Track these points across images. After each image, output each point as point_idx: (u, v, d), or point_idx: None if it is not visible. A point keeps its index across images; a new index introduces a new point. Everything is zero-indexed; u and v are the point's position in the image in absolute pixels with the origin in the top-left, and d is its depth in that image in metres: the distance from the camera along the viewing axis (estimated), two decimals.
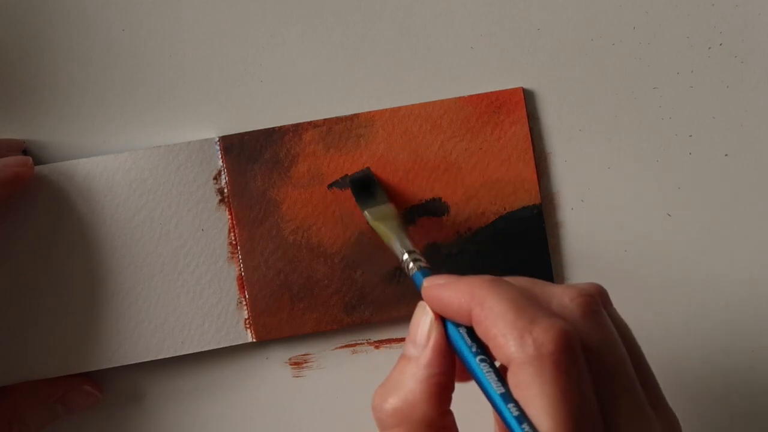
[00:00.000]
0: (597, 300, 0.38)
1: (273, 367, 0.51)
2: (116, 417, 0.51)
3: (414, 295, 0.50)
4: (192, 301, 0.49)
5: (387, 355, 0.51)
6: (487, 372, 0.36)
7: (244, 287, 0.50)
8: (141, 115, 0.51)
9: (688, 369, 0.51)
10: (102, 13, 0.51)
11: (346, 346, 0.51)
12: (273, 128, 0.50)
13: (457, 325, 0.38)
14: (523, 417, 0.34)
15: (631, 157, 0.51)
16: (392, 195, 0.50)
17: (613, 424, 0.35)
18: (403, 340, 0.51)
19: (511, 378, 0.35)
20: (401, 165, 0.50)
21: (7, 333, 0.49)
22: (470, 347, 0.37)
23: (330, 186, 0.50)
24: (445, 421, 0.38)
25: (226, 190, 0.50)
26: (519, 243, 0.50)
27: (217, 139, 0.50)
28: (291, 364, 0.51)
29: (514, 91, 0.50)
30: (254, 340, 0.50)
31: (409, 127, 0.50)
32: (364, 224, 0.50)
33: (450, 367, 0.38)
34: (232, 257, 0.50)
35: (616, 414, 0.35)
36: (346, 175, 0.50)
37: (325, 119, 0.50)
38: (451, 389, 0.38)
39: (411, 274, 0.42)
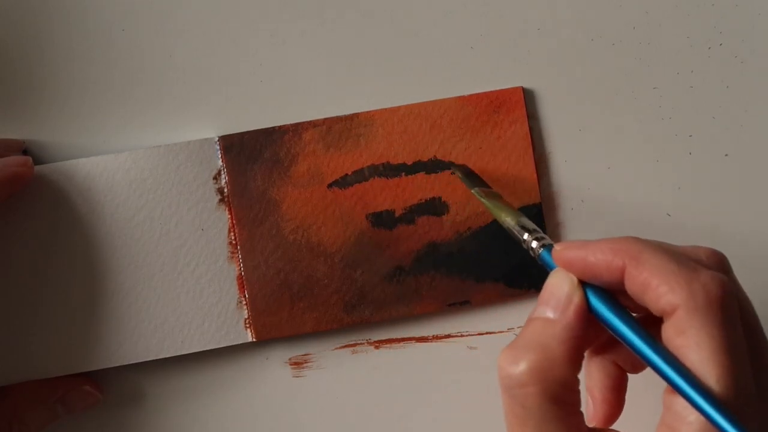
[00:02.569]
0: (727, 260, 0.40)
1: (273, 367, 0.51)
2: (116, 417, 0.51)
3: (414, 295, 0.50)
4: (192, 301, 0.49)
5: (387, 355, 0.51)
6: (638, 332, 0.37)
7: (244, 287, 0.50)
8: (141, 115, 0.51)
9: None
10: (102, 14, 0.51)
11: (346, 346, 0.51)
12: (273, 128, 0.50)
13: (594, 289, 0.38)
14: (689, 374, 0.35)
15: (631, 157, 0.51)
16: (394, 194, 0.50)
17: (757, 372, 0.36)
18: (402, 340, 0.51)
19: (676, 325, 0.36)
20: (401, 164, 0.50)
21: (7, 333, 0.49)
22: (615, 308, 0.38)
23: (330, 186, 0.50)
24: (577, 385, 0.38)
25: (225, 190, 0.50)
26: None
27: (217, 138, 0.50)
28: (291, 364, 0.51)
29: (513, 90, 0.50)
30: (254, 340, 0.50)
31: (409, 127, 0.50)
32: (364, 224, 0.50)
33: (586, 332, 0.38)
34: (232, 257, 0.50)
35: (760, 363, 0.37)
36: (346, 174, 0.50)
37: (324, 119, 0.50)
38: (583, 355, 0.39)
39: (537, 254, 0.42)
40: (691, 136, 0.51)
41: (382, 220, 0.50)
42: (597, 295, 0.38)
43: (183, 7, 0.51)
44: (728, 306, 0.36)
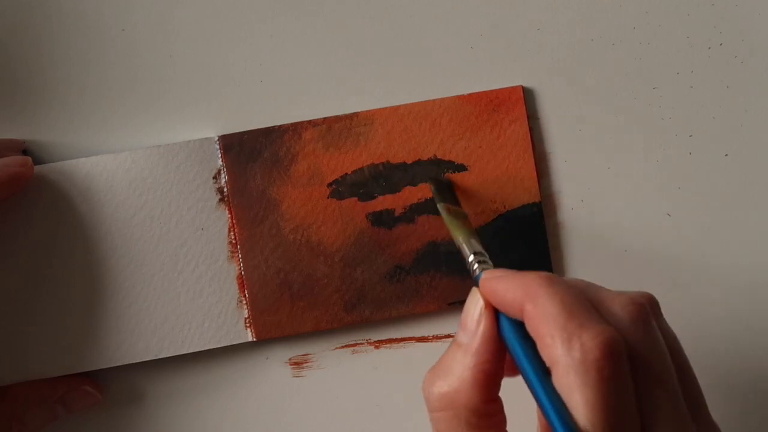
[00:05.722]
0: (647, 310, 0.38)
1: (273, 367, 0.51)
2: (116, 417, 0.51)
3: (413, 294, 0.50)
4: (192, 301, 0.49)
5: (387, 355, 0.51)
6: (533, 368, 0.36)
7: (244, 286, 0.50)
8: (141, 115, 0.51)
9: None
10: (102, 13, 0.51)
11: (346, 346, 0.51)
12: (272, 127, 0.50)
13: (510, 318, 0.38)
14: (566, 416, 0.34)
15: (631, 157, 0.51)
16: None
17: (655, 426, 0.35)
18: (402, 340, 0.51)
19: (555, 380, 0.35)
20: (401, 163, 0.50)
21: (7, 333, 0.49)
22: (519, 341, 0.37)
23: (329, 196, 0.50)
24: (492, 409, 0.38)
25: (225, 189, 0.50)
26: (519, 241, 0.50)
27: (217, 138, 0.50)
28: (291, 364, 0.51)
29: (513, 89, 0.50)
30: (254, 339, 0.50)
31: (409, 126, 0.50)
32: (364, 223, 0.50)
33: (498, 357, 0.38)
34: (232, 256, 0.50)
35: (655, 423, 0.35)
36: (345, 174, 0.50)
37: (324, 118, 0.50)
38: (499, 378, 0.38)
39: (474, 275, 0.42)
40: (691, 136, 0.51)
41: (382, 219, 0.50)
42: (509, 324, 0.38)
43: (183, 7, 0.51)
44: (606, 367, 0.34)
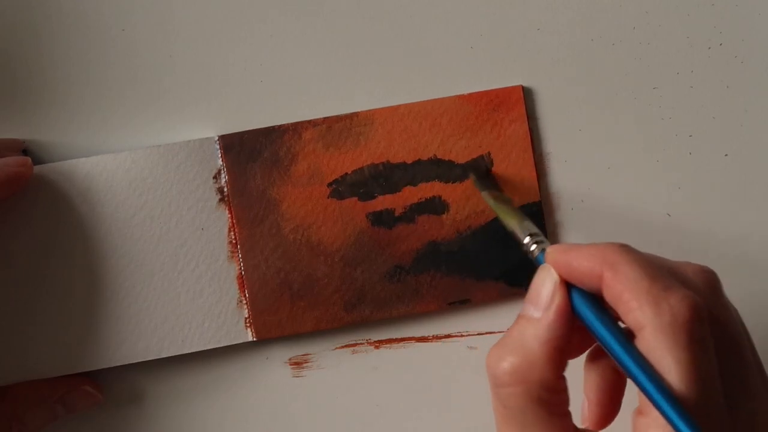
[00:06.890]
0: (718, 278, 0.39)
1: (273, 367, 0.51)
2: (116, 417, 0.51)
3: (413, 294, 0.50)
4: (192, 300, 0.49)
5: (387, 355, 0.51)
6: (615, 336, 0.36)
7: (244, 286, 0.50)
8: (141, 115, 0.51)
9: None
10: (102, 13, 0.51)
11: (346, 346, 0.51)
12: (272, 127, 0.50)
13: (582, 291, 0.38)
14: (657, 378, 0.35)
15: (631, 157, 0.51)
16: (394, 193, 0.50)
17: (733, 396, 0.36)
18: (402, 340, 0.51)
19: (642, 343, 0.35)
20: (401, 163, 0.50)
21: (7, 333, 0.49)
22: (595, 312, 0.37)
23: (329, 196, 0.50)
24: (561, 385, 0.38)
25: (225, 189, 0.50)
26: None
27: (217, 138, 0.50)
28: (291, 364, 0.51)
29: (513, 89, 0.50)
30: (254, 339, 0.50)
31: (409, 125, 0.50)
32: (364, 222, 0.50)
33: (569, 333, 0.38)
34: (232, 256, 0.50)
35: (737, 387, 0.37)
36: (346, 174, 0.50)
37: (324, 118, 0.50)
38: (568, 355, 0.38)
39: (534, 256, 0.42)
40: (691, 136, 0.51)
41: (382, 219, 0.50)
42: (582, 297, 0.38)
43: (183, 7, 0.51)
44: (696, 329, 0.35)
